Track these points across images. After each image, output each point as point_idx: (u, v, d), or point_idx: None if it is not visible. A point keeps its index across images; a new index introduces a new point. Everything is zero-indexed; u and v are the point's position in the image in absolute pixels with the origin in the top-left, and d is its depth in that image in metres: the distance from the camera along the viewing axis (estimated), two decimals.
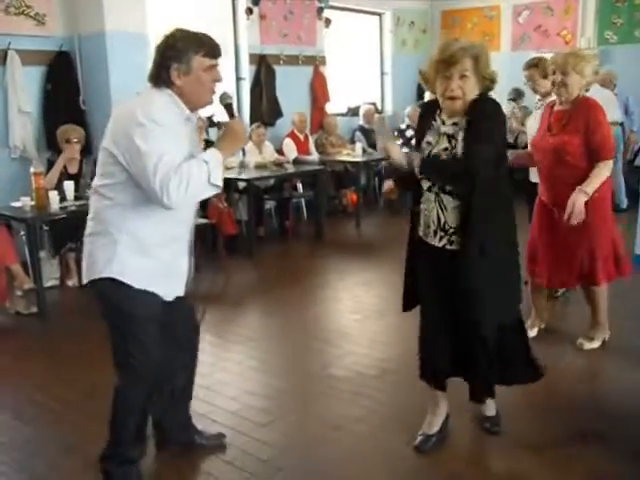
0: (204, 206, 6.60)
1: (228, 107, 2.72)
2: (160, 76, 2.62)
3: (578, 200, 3.74)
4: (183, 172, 2.43)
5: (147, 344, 2.75)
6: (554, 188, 3.98)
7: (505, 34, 10.61)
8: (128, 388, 2.81)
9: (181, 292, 2.90)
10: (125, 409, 2.83)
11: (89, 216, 2.76)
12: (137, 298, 2.70)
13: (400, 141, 9.28)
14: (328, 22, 9.58)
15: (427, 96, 10.22)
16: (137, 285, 2.68)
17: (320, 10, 9.39)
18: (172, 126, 2.54)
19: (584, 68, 3.85)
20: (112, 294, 2.71)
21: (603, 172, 3.81)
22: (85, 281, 2.79)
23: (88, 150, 6.27)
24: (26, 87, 6.26)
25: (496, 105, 2.85)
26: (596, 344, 4.26)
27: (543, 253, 4.18)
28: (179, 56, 2.58)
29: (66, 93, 6.47)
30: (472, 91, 2.79)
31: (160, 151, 2.44)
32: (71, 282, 5.96)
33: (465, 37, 9.94)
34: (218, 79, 2.68)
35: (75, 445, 3.28)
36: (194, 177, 2.46)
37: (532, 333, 4.30)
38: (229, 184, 7.03)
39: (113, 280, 2.66)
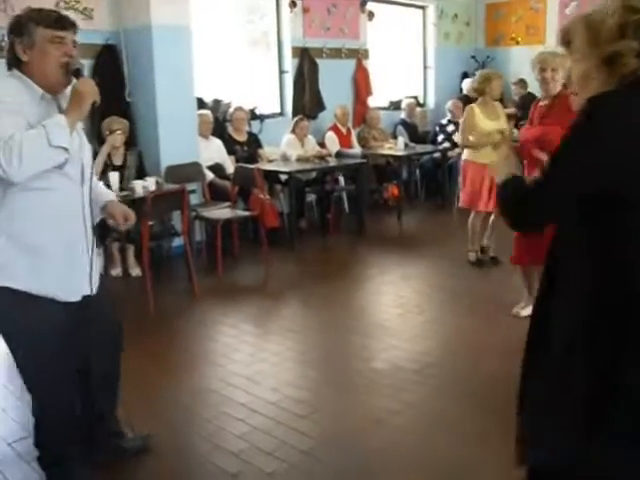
0: (246, 198, 6.65)
1: (76, 73, 2.56)
2: (10, 57, 2.51)
3: None
4: (15, 140, 2.27)
5: (47, 360, 2.62)
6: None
7: (551, 27, 10.41)
8: (41, 401, 2.77)
9: (87, 290, 2.70)
10: (46, 422, 2.80)
11: None
12: (30, 304, 2.53)
13: (442, 136, 9.22)
14: (371, 15, 9.53)
15: (465, 88, 10.16)
16: (32, 290, 2.52)
17: (363, 3, 9.36)
18: (10, 102, 2.40)
19: (566, 65, 4.09)
20: (4, 306, 2.54)
21: None
22: None
23: (132, 142, 6.34)
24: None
25: None
26: None
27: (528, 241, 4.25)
28: (20, 29, 2.47)
29: (112, 86, 6.55)
30: None
31: None
32: (115, 272, 6.05)
33: (509, 30, 9.85)
34: (68, 52, 2.52)
35: None
36: (28, 142, 2.29)
37: (526, 312, 4.49)
38: (271, 176, 7.06)
39: (3, 289, 2.50)
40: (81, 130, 2.70)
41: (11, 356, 2.65)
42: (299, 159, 7.38)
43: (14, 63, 2.51)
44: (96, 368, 2.91)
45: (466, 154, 5.92)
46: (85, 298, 2.70)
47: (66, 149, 2.40)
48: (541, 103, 4.41)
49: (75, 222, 2.63)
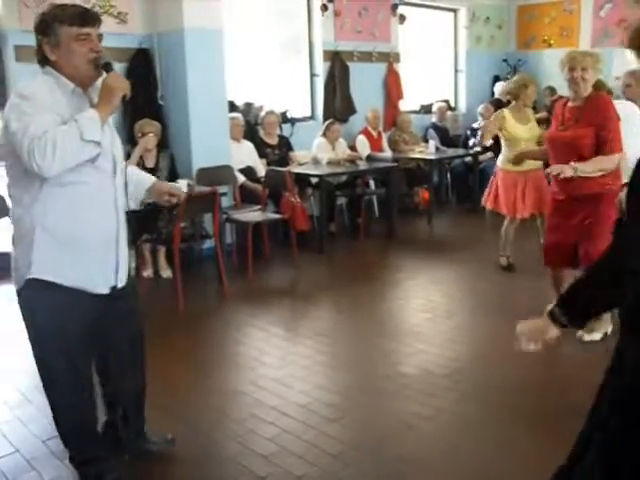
0: (277, 201, 6.68)
1: (106, 66, 2.59)
2: (38, 55, 2.57)
3: (564, 167, 3.97)
4: (48, 135, 2.32)
5: (69, 350, 2.66)
6: (567, 180, 4.06)
7: (585, 29, 10.31)
8: (56, 394, 2.79)
9: (114, 281, 2.76)
10: (59, 414, 2.82)
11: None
12: (62, 297, 2.59)
13: (472, 140, 9.16)
14: (402, 18, 9.51)
15: (497, 92, 10.09)
16: (61, 281, 2.59)
17: (395, 6, 9.33)
18: (44, 98, 2.45)
19: (599, 66, 4.14)
20: (36, 298, 2.60)
21: (603, 162, 4.04)
22: (16, 292, 2.65)
23: (164, 144, 6.39)
24: None
25: None
26: (597, 336, 4.35)
27: (557, 245, 4.35)
28: (46, 29, 2.52)
29: (145, 88, 6.62)
30: None
31: (26, 124, 2.35)
32: (146, 273, 6.10)
33: (541, 33, 9.70)
34: (94, 48, 2.56)
35: None
36: (61, 137, 2.34)
37: None
38: (301, 179, 7.07)
39: (36, 281, 2.56)
40: (112, 123, 2.75)
41: (32, 347, 2.69)
42: (330, 162, 7.39)
43: (44, 61, 2.56)
44: (116, 372, 2.95)
45: (500, 162, 5.90)
46: (111, 293, 2.75)
47: (98, 143, 2.44)
48: (570, 104, 4.26)
49: (107, 215, 2.69)
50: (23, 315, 2.66)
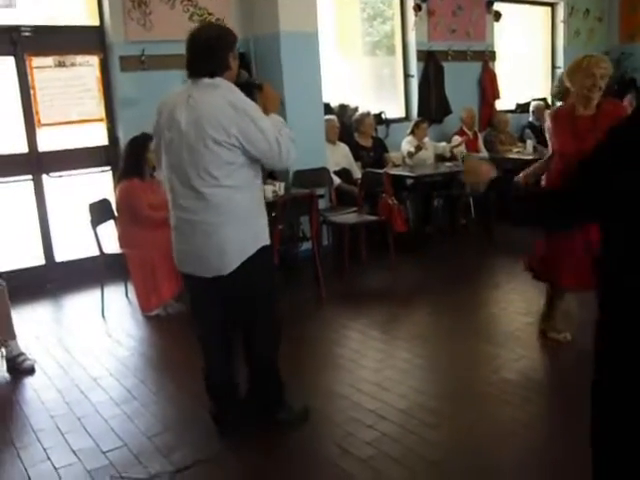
0: (373, 203, 6.66)
1: (250, 83, 3.24)
2: (220, 65, 2.92)
3: None
4: (284, 136, 3.00)
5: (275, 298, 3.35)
6: None
7: None
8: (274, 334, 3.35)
9: None
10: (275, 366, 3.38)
11: (206, 211, 2.98)
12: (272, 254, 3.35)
13: None
14: (498, 16, 9.33)
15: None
16: (268, 242, 3.17)
17: (490, 4, 9.18)
18: None
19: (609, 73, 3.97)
20: (264, 261, 3.13)
21: None
22: (234, 266, 3.02)
23: None
24: None
25: None
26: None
27: (568, 258, 4.18)
28: (231, 44, 2.98)
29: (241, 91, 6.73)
30: None
31: (270, 125, 2.93)
32: None
33: None
34: None
35: None
36: (288, 137, 3.04)
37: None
38: (397, 181, 7.02)
39: (262, 248, 3.08)
40: None
41: (266, 309, 3.23)
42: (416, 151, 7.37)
43: (222, 71, 2.94)
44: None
45: None
46: None
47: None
48: (581, 113, 4.00)
49: None
50: (255, 280, 3.12)
